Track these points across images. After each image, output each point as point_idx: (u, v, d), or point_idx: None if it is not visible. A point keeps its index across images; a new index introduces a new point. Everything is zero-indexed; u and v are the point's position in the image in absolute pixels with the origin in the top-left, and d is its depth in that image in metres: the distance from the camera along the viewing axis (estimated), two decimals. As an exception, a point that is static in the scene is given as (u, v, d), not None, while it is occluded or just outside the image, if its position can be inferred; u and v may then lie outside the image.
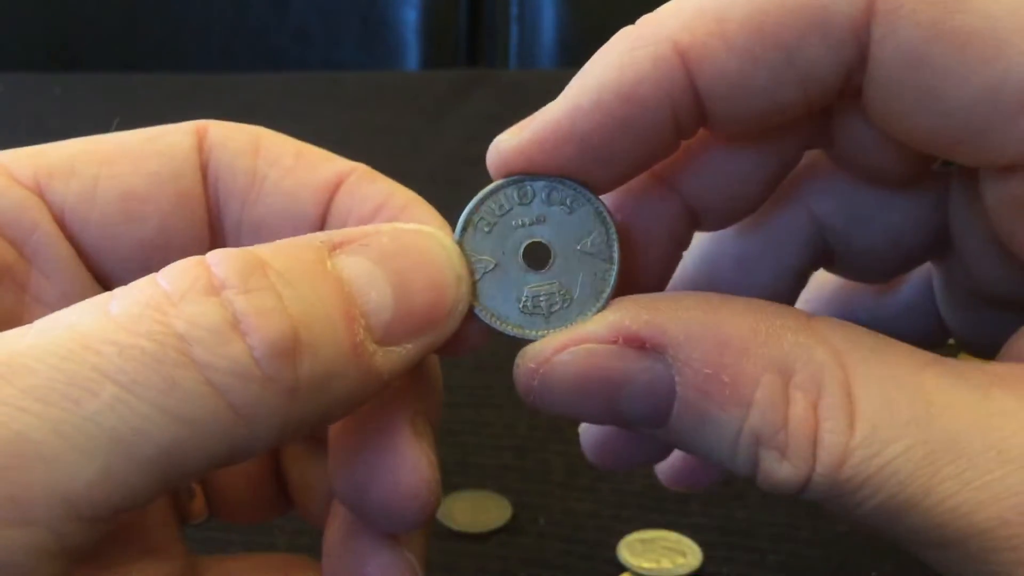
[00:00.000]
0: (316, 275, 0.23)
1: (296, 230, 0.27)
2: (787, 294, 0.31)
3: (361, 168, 0.28)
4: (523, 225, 0.26)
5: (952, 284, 0.31)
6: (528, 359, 0.25)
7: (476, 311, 0.26)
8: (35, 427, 0.19)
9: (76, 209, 0.27)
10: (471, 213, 0.26)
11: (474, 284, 0.26)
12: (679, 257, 0.30)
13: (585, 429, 0.32)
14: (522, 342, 0.26)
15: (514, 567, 0.38)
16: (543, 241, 0.26)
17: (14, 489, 0.19)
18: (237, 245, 0.27)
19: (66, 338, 0.20)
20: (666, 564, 0.38)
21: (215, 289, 0.21)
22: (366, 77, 0.96)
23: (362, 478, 0.26)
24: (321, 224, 0.28)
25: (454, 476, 0.42)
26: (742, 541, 0.39)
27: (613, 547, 0.39)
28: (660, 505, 0.41)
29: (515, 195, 0.26)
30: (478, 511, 0.41)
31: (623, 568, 0.38)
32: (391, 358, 0.24)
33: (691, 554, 0.38)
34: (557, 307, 0.26)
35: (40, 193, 0.27)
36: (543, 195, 0.26)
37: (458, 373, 0.49)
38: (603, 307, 0.25)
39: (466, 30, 1.18)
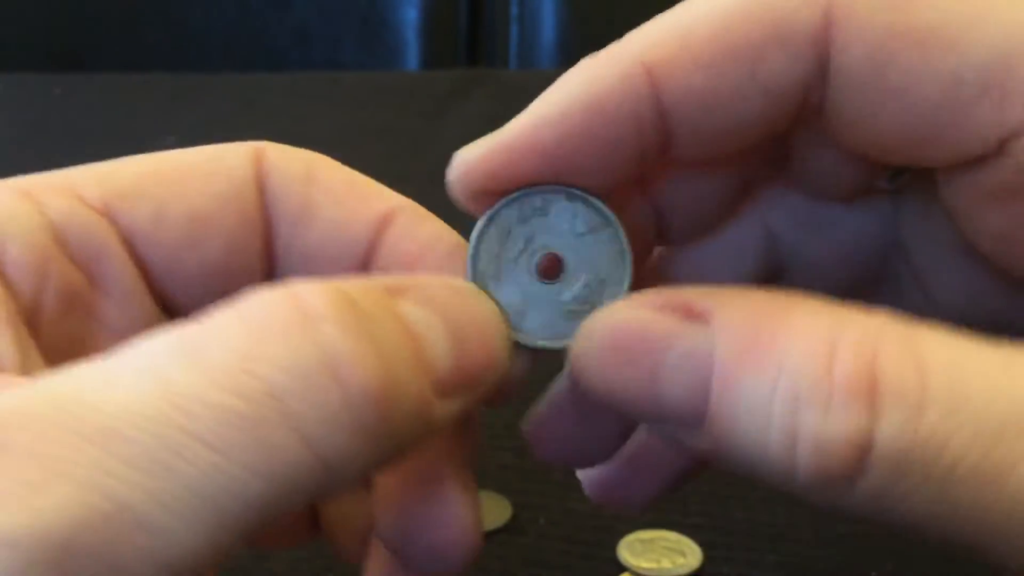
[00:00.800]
0: (394, 321, 0.22)
1: (344, 260, 0.28)
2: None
3: (411, 205, 0.28)
4: (520, 252, 0.26)
5: (908, 305, 0.30)
6: (584, 326, 0.24)
7: (523, 342, 0.26)
8: (133, 496, 0.19)
9: (145, 232, 0.27)
10: (478, 265, 0.26)
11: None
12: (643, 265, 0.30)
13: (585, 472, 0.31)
14: (547, 351, 0.26)
15: (514, 567, 0.38)
16: (555, 253, 0.26)
17: (115, 558, 0.19)
18: (286, 270, 0.28)
19: (157, 397, 0.20)
20: (666, 564, 0.38)
21: (310, 322, 0.21)
22: (366, 77, 0.96)
23: (409, 525, 0.26)
24: (368, 257, 0.28)
25: (454, 476, 0.42)
26: (742, 541, 0.39)
27: (613, 547, 0.39)
28: (660, 505, 0.41)
29: (495, 231, 0.26)
30: (478, 511, 0.41)
31: (623, 568, 0.38)
32: (443, 410, 0.23)
33: (691, 554, 0.38)
34: (593, 296, 0.26)
35: (110, 216, 0.27)
36: (515, 215, 0.26)
37: (458, 373, 0.49)
38: (632, 269, 0.26)
39: (466, 30, 1.18)
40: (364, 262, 0.28)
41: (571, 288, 0.26)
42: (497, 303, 0.26)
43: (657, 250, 0.30)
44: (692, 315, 0.23)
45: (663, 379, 0.23)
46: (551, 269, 0.26)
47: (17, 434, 0.19)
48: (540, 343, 0.26)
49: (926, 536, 0.21)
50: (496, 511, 0.40)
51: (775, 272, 0.31)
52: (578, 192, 0.26)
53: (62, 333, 0.26)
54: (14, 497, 0.18)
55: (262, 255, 0.28)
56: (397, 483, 0.27)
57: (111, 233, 0.27)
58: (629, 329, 0.23)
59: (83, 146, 0.73)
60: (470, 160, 0.25)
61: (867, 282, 0.31)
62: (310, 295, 0.21)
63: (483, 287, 0.26)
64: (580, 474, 0.31)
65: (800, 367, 0.20)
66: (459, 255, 0.27)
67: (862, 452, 0.20)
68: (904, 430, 0.19)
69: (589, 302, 0.26)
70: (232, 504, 0.20)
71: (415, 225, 0.28)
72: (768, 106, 0.25)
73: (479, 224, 0.26)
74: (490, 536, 0.40)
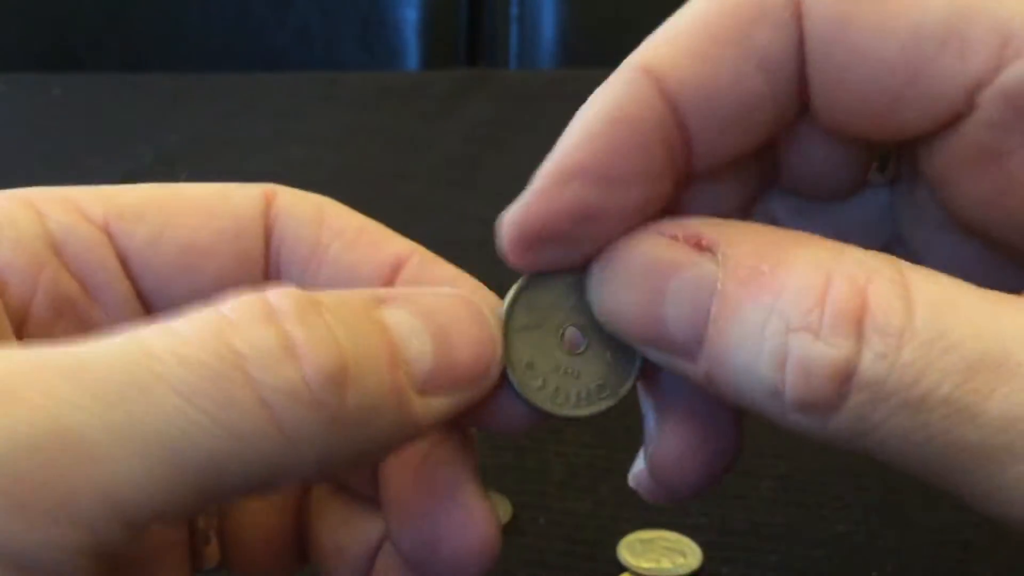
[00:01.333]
0: (364, 319, 0.24)
1: None
2: None
3: (421, 251, 0.29)
4: (576, 310, 0.27)
5: None
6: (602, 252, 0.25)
7: (512, 382, 0.27)
8: (89, 425, 0.20)
9: (141, 253, 0.28)
10: (540, 276, 0.27)
11: (509, 331, 0.27)
12: None
13: (639, 469, 0.30)
14: (527, 403, 0.27)
15: (514, 567, 0.38)
16: (582, 330, 0.27)
17: (63, 486, 0.19)
18: None
19: (131, 345, 0.21)
20: (666, 564, 0.38)
21: (272, 317, 0.22)
22: (366, 77, 0.96)
23: (431, 536, 0.27)
24: None
25: (454, 476, 0.42)
26: (742, 541, 0.39)
27: (613, 547, 0.39)
28: (660, 505, 0.41)
29: (555, 286, 0.27)
30: (478, 511, 0.41)
31: (623, 568, 0.38)
32: (429, 408, 0.24)
33: (691, 554, 0.38)
34: (566, 395, 0.27)
35: (108, 233, 0.28)
36: (577, 287, 0.27)
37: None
38: (607, 409, 0.27)
39: (466, 30, 1.18)
40: None
41: (587, 365, 0.27)
42: (508, 324, 0.27)
43: None
44: (700, 246, 0.24)
45: (667, 303, 0.24)
46: (574, 342, 0.27)
47: None
48: (544, 407, 0.27)
49: (902, 467, 0.22)
50: (496, 511, 0.40)
51: None
52: None
53: (53, 336, 0.26)
54: None
55: None
56: (413, 495, 0.27)
57: (109, 249, 0.28)
58: (641, 255, 0.24)
59: (83, 146, 0.73)
60: (514, 217, 0.25)
61: None
62: (276, 297, 0.23)
63: (514, 326, 0.27)
64: (634, 473, 0.30)
65: (795, 295, 0.21)
66: (480, 294, 0.28)
67: (845, 377, 0.21)
68: (885, 358, 0.20)
69: (599, 386, 0.27)
70: (189, 450, 0.20)
71: (427, 269, 0.28)
72: (769, 81, 0.25)
73: (513, 290, 0.27)
74: (490, 536, 0.40)
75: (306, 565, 0.32)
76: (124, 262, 0.28)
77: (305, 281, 0.28)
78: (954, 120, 0.24)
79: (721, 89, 0.25)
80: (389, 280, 0.28)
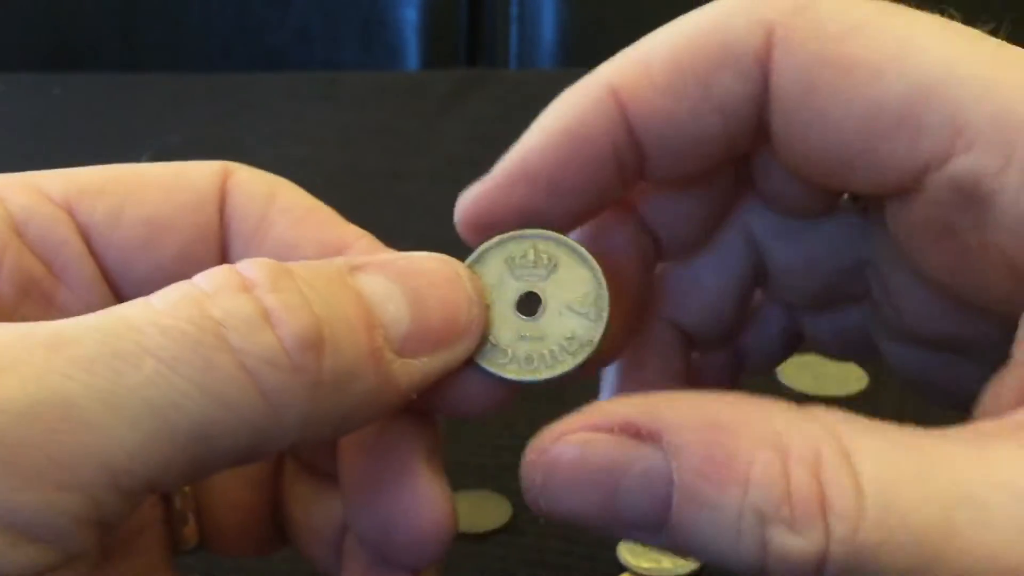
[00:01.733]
0: (337, 285, 0.24)
1: None
2: (732, 311, 0.33)
3: (368, 238, 0.29)
4: (523, 277, 0.27)
5: (881, 319, 0.32)
6: (529, 452, 0.25)
7: (482, 367, 0.27)
8: (81, 394, 0.20)
9: (101, 229, 0.28)
10: (478, 256, 0.27)
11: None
12: (644, 282, 0.31)
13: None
14: (502, 380, 0.27)
15: (514, 567, 0.38)
16: (536, 292, 0.27)
17: (61, 453, 0.20)
18: None
19: (111, 319, 0.22)
20: (666, 564, 0.38)
21: (246, 287, 0.23)
22: (366, 77, 0.96)
23: (384, 520, 0.27)
24: None
25: (454, 476, 0.42)
26: (742, 541, 0.39)
27: (613, 547, 0.39)
28: (660, 505, 0.41)
29: (520, 251, 0.27)
30: (478, 511, 0.41)
31: (623, 568, 0.38)
32: (408, 371, 0.25)
33: (691, 554, 0.38)
34: (539, 358, 0.27)
35: (69, 211, 0.28)
36: (546, 253, 0.27)
37: (458, 373, 0.49)
38: (585, 361, 0.27)
39: (466, 30, 1.18)
40: None
41: (527, 332, 0.27)
42: (481, 279, 0.27)
43: (660, 266, 0.32)
44: (641, 436, 0.24)
45: (621, 499, 0.24)
46: (530, 306, 0.27)
47: None
48: (516, 377, 0.27)
49: None
50: (496, 511, 0.40)
51: (760, 277, 0.32)
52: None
53: (19, 317, 0.27)
54: None
55: (219, 263, 0.29)
56: (367, 478, 0.27)
57: (71, 227, 0.28)
58: (583, 458, 0.24)
59: (83, 146, 0.73)
60: (467, 202, 0.27)
61: (845, 292, 0.32)
62: (247, 268, 0.23)
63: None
64: None
65: (763, 490, 0.23)
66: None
67: (820, 563, 0.22)
68: (846, 542, 0.22)
69: (531, 358, 0.27)
70: (175, 415, 0.21)
71: (371, 253, 0.28)
72: (726, 124, 0.26)
73: (468, 260, 0.27)
74: (490, 536, 0.40)
75: (286, 544, 0.32)
76: (86, 239, 0.28)
77: (248, 256, 0.28)
78: (904, 192, 0.26)
79: (679, 124, 0.26)
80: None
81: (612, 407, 0.25)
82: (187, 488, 0.30)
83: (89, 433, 0.20)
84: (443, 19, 1.17)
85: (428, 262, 0.26)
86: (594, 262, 0.27)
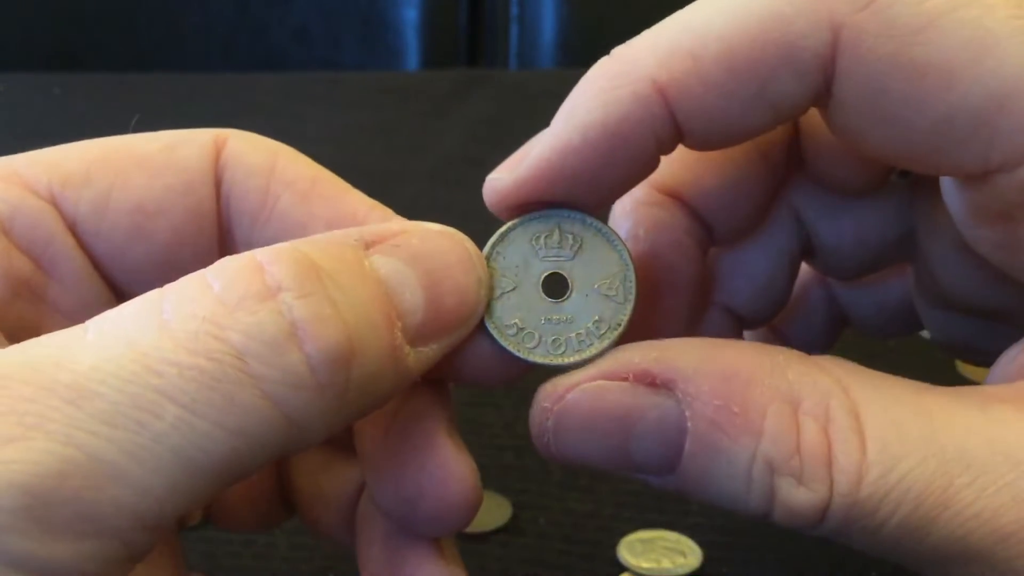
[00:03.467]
0: (360, 277, 0.23)
1: None
2: (781, 290, 0.33)
3: (379, 208, 0.28)
4: (548, 257, 0.27)
5: (923, 287, 0.32)
6: (542, 399, 0.25)
7: (490, 328, 0.26)
8: (106, 449, 0.20)
9: (88, 221, 0.27)
10: (502, 236, 0.27)
11: (490, 302, 0.26)
12: (699, 272, 0.31)
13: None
14: (528, 364, 0.27)
15: (514, 567, 0.38)
16: (563, 274, 0.27)
17: (89, 508, 0.20)
18: None
19: (128, 359, 0.21)
20: (666, 564, 0.38)
21: (271, 293, 0.22)
22: (366, 77, 0.96)
23: (410, 490, 0.26)
24: None
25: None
26: (742, 541, 0.39)
27: (613, 547, 0.39)
28: (660, 505, 0.41)
29: (546, 230, 0.27)
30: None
31: (623, 568, 0.38)
32: (420, 359, 0.24)
33: (691, 554, 0.38)
34: (566, 342, 0.27)
35: (54, 203, 0.27)
36: (571, 233, 0.27)
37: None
38: (612, 345, 0.26)
39: (466, 30, 1.18)
40: None
41: (554, 318, 0.27)
42: (488, 263, 0.26)
43: (712, 250, 0.32)
44: (656, 384, 0.24)
45: (634, 444, 0.25)
46: (556, 287, 0.27)
47: None
48: (543, 362, 0.26)
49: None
50: (496, 511, 0.40)
51: (806, 253, 0.33)
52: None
53: (12, 317, 0.26)
54: None
55: (217, 247, 0.28)
56: (390, 450, 0.27)
57: (57, 220, 0.27)
58: (599, 403, 0.25)
59: (83, 146, 0.73)
60: (501, 188, 0.27)
61: (890, 263, 0.33)
62: (271, 264, 0.22)
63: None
64: None
65: (775, 441, 0.24)
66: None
67: (822, 513, 0.24)
68: (847, 496, 0.23)
69: (558, 342, 0.27)
70: (201, 457, 0.21)
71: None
72: (778, 117, 0.26)
73: (492, 240, 0.27)
74: (490, 536, 0.40)
75: (289, 516, 0.32)
76: (74, 231, 0.27)
77: (253, 236, 0.28)
78: (969, 182, 0.25)
79: (728, 119, 0.25)
80: None
81: (627, 355, 0.25)
82: None
83: (117, 486, 0.20)
84: (443, 19, 1.17)
85: (441, 241, 0.25)
86: (621, 243, 0.27)
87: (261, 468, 0.22)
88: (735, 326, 0.33)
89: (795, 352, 0.25)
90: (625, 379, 0.25)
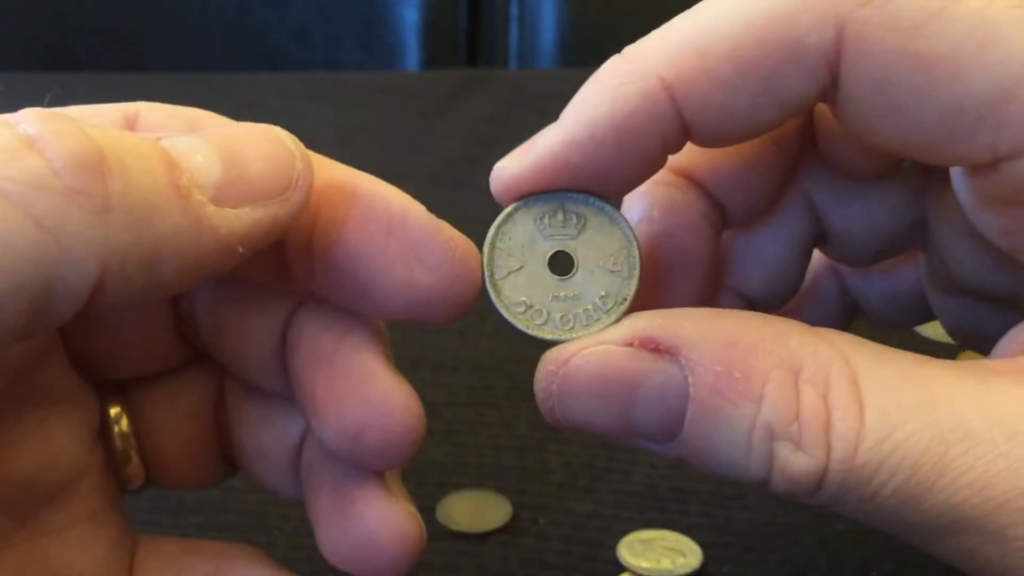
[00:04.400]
0: (128, 134, 0.23)
1: None
2: (793, 276, 0.33)
3: (219, 117, 0.28)
4: (553, 236, 0.27)
5: (934, 274, 0.33)
6: (548, 363, 0.26)
7: (498, 307, 0.27)
8: None
9: None
10: (507, 217, 0.27)
11: (498, 281, 0.27)
12: (712, 255, 0.32)
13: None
14: (537, 342, 0.27)
15: (514, 567, 0.38)
16: (568, 252, 0.27)
17: None
18: None
19: None
20: (666, 564, 0.38)
21: (9, 122, 0.22)
22: (366, 77, 0.96)
23: (354, 427, 0.27)
24: None
25: (454, 476, 0.42)
26: (742, 541, 0.39)
27: (613, 547, 0.39)
28: (660, 505, 0.41)
29: (549, 209, 0.27)
30: (478, 511, 0.41)
31: (623, 568, 0.38)
32: (228, 218, 0.24)
33: (691, 554, 0.38)
34: (574, 317, 0.27)
35: None
36: (574, 212, 0.27)
37: (458, 373, 0.49)
38: (619, 319, 0.27)
39: (466, 30, 1.18)
40: None
41: (561, 293, 0.27)
42: (493, 249, 0.27)
43: (725, 233, 0.33)
44: (659, 350, 0.25)
45: (637, 409, 0.25)
46: (562, 265, 0.27)
47: None
48: (552, 338, 0.27)
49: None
50: (496, 511, 0.40)
51: (819, 239, 0.33)
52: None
53: None
54: None
55: None
56: (330, 388, 0.27)
57: None
58: (603, 368, 0.25)
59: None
60: (508, 178, 0.27)
61: (899, 248, 0.33)
62: (18, 114, 0.22)
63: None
64: None
65: (774, 407, 0.24)
66: (378, 193, 0.27)
67: (819, 479, 0.24)
68: (844, 462, 0.24)
69: (564, 318, 0.27)
70: None
71: (319, 173, 0.27)
72: (785, 114, 0.26)
73: (497, 221, 0.27)
74: (490, 536, 0.40)
75: (233, 474, 0.32)
76: None
77: None
78: (977, 170, 0.26)
79: (735, 115, 0.26)
80: None
81: (631, 322, 0.26)
82: (126, 427, 0.30)
83: None
84: (443, 19, 1.17)
85: (246, 127, 0.26)
86: (623, 219, 0.27)
87: (35, 299, 0.21)
88: (747, 309, 0.34)
89: (797, 322, 0.26)
90: (630, 344, 0.25)
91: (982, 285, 0.31)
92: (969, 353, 0.50)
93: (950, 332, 0.35)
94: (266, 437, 0.30)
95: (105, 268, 0.22)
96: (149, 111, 0.28)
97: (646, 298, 0.29)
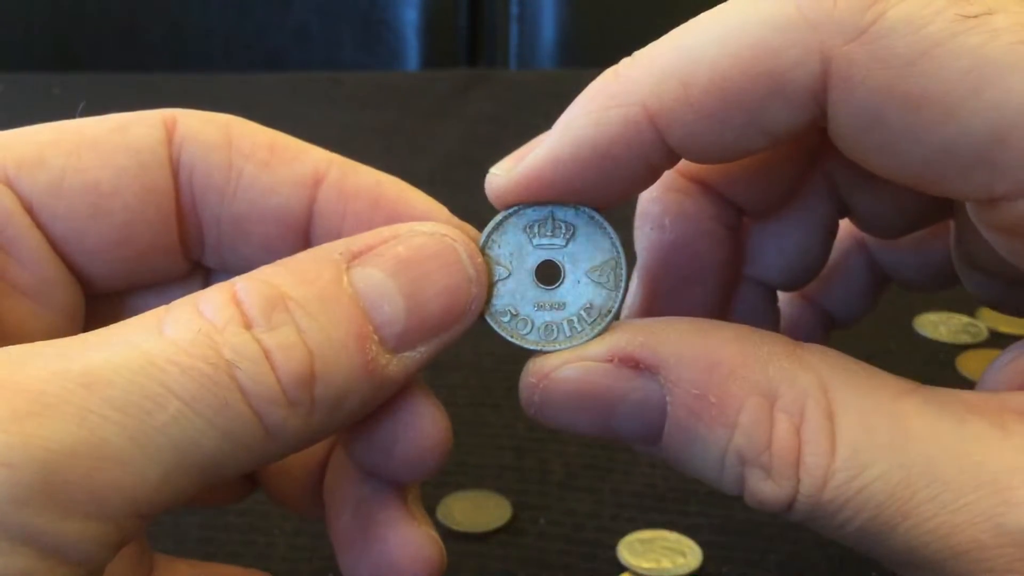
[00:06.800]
0: (332, 300, 0.25)
1: (280, 225, 0.28)
2: (819, 248, 0.33)
3: (337, 160, 0.29)
4: (542, 245, 0.28)
5: (960, 247, 0.32)
6: (530, 374, 0.27)
7: (485, 316, 0.27)
8: (115, 434, 0.21)
9: (44, 202, 0.28)
10: (496, 225, 0.28)
11: (490, 287, 0.27)
12: (729, 255, 0.32)
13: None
14: (522, 350, 0.27)
15: (514, 567, 0.38)
16: (555, 261, 0.28)
17: (97, 488, 0.21)
18: (218, 239, 0.29)
19: (134, 356, 0.22)
20: (666, 564, 0.38)
21: (248, 324, 0.24)
22: (366, 77, 0.96)
23: (383, 441, 0.27)
24: (307, 219, 0.28)
25: (454, 476, 0.42)
26: (742, 541, 0.39)
27: (613, 547, 0.39)
28: (660, 505, 0.41)
29: (539, 218, 0.28)
30: (478, 511, 0.41)
31: (623, 568, 0.38)
32: (404, 363, 0.25)
33: (691, 554, 0.38)
34: (558, 328, 0.27)
35: (9, 184, 0.27)
36: (564, 222, 0.27)
37: (458, 374, 0.49)
38: (602, 331, 0.27)
39: (466, 30, 1.18)
40: (305, 223, 0.28)
41: (547, 304, 0.27)
42: (485, 255, 0.27)
43: (744, 219, 0.32)
44: (639, 368, 0.26)
45: (616, 421, 0.26)
46: (550, 275, 0.28)
47: (5, 371, 0.21)
48: (536, 348, 0.27)
49: None
50: (496, 511, 0.40)
51: (844, 213, 0.33)
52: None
53: None
54: (7, 423, 0.20)
55: (177, 225, 0.29)
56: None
57: (14, 200, 0.27)
58: (584, 384, 0.26)
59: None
60: (498, 186, 0.27)
61: (930, 223, 0.33)
62: (245, 294, 0.24)
63: (486, 244, 0.27)
64: None
65: (748, 435, 0.25)
66: (409, 196, 0.28)
67: (787, 507, 0.25)
68: (811, 496, 0.24)
69: (550, 328, 0.27)
70: (193, 452, 0.22)
71: (350, 178, 0.28)
72: (773, 143, 0.26)
73: (487, 229, 0.28)
74: (490, 536, 0.40)
75: (252, 492, 0.32)
76: (30, 212, 0.28)
77: (223, 211, 0.28)
78: (977, 203, 0.25)
79: (720, 144, 0.25)
80: (311, 197, 0.28)
81: (613, 338, 0.26)
82: None
83: (121, 471, 0.21)
84: (443, 19, 1.17)
85: (427, 244, 0.26)
86: (612, 230, 0.27)
87: (234, 476, 0.24)
88: (768, 295, 0.34)
89: (781, 343, 0.26)
90: (610, 361, 0.26)
91: (1004, 269, 0.30)
92: (969, 354, 0.50)
93: (977, 300, 0.34)
94: (291, 458, 0.30)
95: (301, 446, 0.25)
96: (185, 117, 0.29)
97: (659, 303, 0.29)
